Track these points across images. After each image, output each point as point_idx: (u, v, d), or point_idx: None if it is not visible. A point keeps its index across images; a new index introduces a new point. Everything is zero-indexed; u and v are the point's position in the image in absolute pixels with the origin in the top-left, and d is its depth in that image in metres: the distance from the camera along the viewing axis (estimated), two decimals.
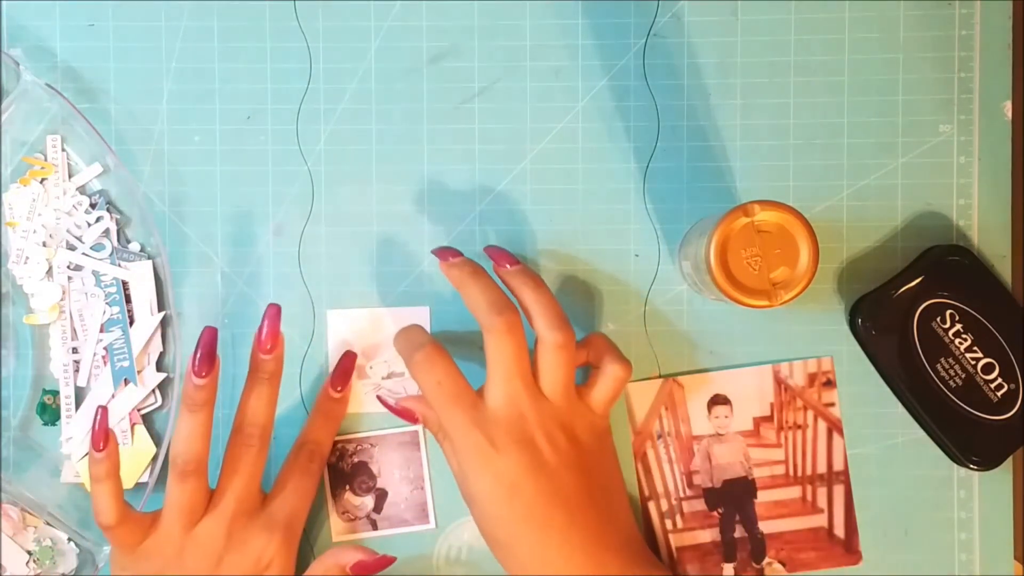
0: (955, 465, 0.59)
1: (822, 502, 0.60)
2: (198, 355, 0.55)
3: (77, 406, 0.61)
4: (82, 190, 0.61)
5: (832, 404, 0.60)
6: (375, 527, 0.61)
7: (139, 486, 0.61)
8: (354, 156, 0.61)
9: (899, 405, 0.59)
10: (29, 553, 0.60)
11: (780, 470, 0.60)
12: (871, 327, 0.59)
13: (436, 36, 0.61)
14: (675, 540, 0.60)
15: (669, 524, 0.60)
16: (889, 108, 0.60)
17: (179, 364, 0.61)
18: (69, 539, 0.60)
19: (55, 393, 0.61)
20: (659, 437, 0.60)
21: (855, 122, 0.60)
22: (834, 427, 0.60)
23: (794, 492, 0.60)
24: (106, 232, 0.61)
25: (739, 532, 0.60)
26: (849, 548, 0.60)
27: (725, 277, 0.52)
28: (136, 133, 0.62)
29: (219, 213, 0.62)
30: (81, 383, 0.61)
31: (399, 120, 0.61)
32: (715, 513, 0.60)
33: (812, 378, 0.60)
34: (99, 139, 0.60)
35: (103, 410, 0.55)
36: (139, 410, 0.61)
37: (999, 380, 0.58)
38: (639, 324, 0.61)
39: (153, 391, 0.61)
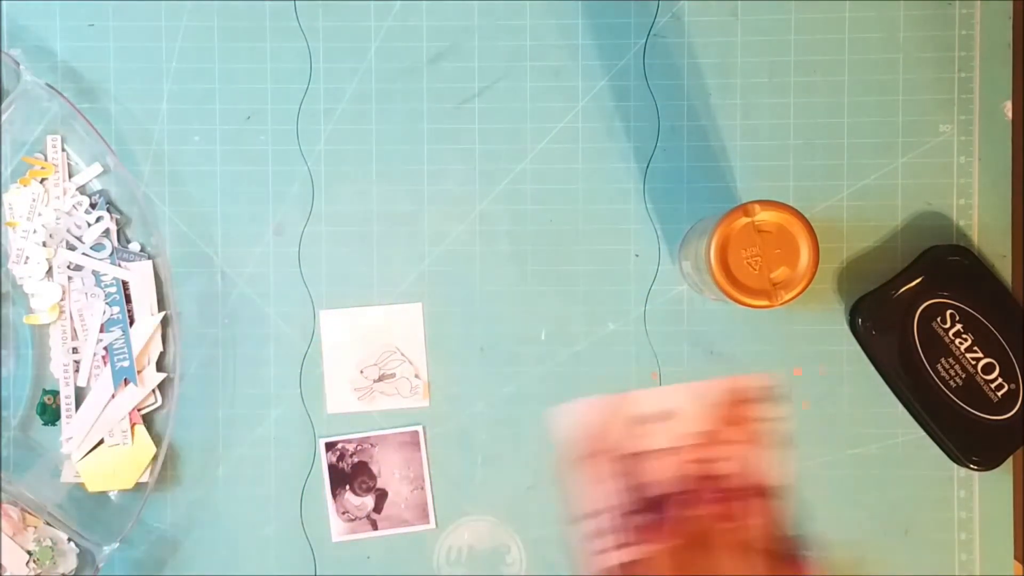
0: (955, 465, 0.59)
1: (765, 517, 0.59)
2: None
3: (77, 406, 0.61)
4: (82, 190, 0.61)
5: (774, 419, 0.59)
6: (375, 527, 0.61)
7: (139, 486, 0.61)
8: (354, 156, 0.61)
9: (899, 405, 0.59)
10: (29, 553, 0.60)
11: (724, 484, 0.59)
12: (871, 327, 0.59)
13: (436, 36, 0.61)
14: (615, 556, 0.60)
15: (610, 541, 0.60)
16: (889, 108, 0.60)
17: (179, 364, 0.61)
18: (69, 539, 0.60)
19: (55, 393, 0.61)
20: (598, 454, 0.60)
21: (855, 122, 0.60)
22: (776, 443, 0.59)
23: (736, 507, 0.59)
24: (106, 232, 0.61)
25: (672, 544, 0.60)
26: (791, 561, 0.59)
27: (725, 277, 0.52)
28: (136, 133, 0.62)
29: (219, 213, 0.62)
30: (81, 383, 0.61)
31: (399, 120, 0.61)
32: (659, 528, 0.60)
33: (754, 394, 0.60)
34: (99, 139, 0.60)
35: None
36: (139, 410, 0.61)
37: (999, 380, 0.58)
38: (639, 324, 0.61)
39: (153, 391, 0.61)
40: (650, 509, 0.59)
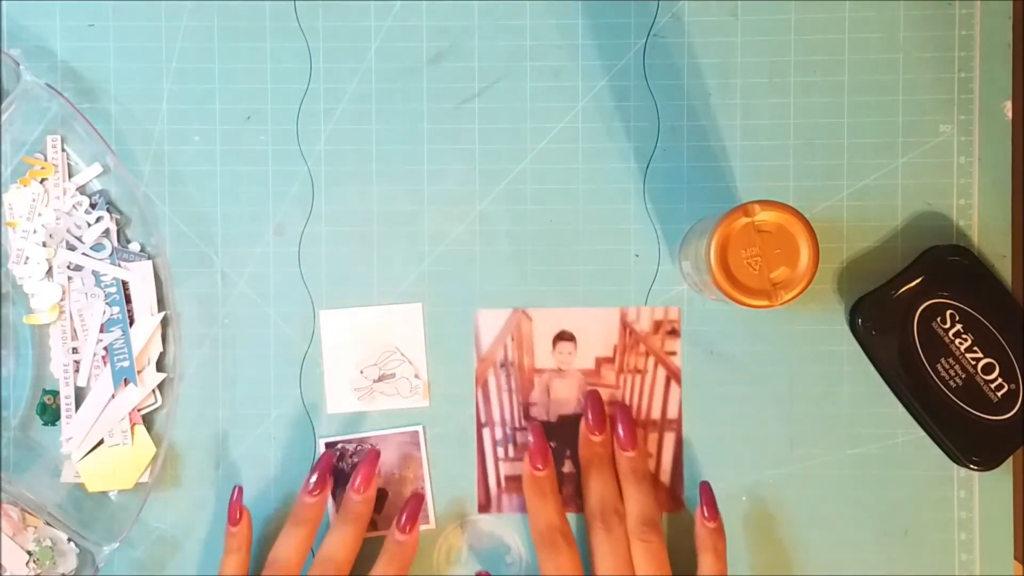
0: (955, 465, 0.59)
1: (652, 447, 0.61)
2: (314, 475, 0.59)
3: (77, 406, 0.61)
4: (82, 190, 0.61)
5: (674, 353, 0.60)
6: (375, 527, 0.61)
7: (139, 486, 0.61)
8: (354, 156, 0.61)
9: (899, 405, 0.59)
10: (29, 553, 0.60)
11: (617, 411, 0.60)
12: (871, 327, 0.59)
13: (436, 36, 0.61)
14: (505, 468, 0.61)
15: (501, 452, 0.61)
16: (889, 108, 0.60)
17: (179, 364, 0.61)
18: (69, 539, 0.60)
19: (55, 393, 0.61)
20: (502, 366, 0.61)
21: (855, 122, 0.60)
22: (673, 376, 0.60)
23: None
24: (106, 232, 0.61)
25: (568, 467, 0.61)
26: (673, 495, 0.60)
27: (725, 277, 0.52)
28: (136, 133, 0.62)
29: (219, 213, 0.62)
30: (81, 383, 0.61)
31: (399, 120, 0.61)
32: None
33: (658, 325, 0.61)
34: (99, 139, 0.60)
35: (239, 489, 0.60)
36: (139, 410, 0.61)
37: (999, 380, 0.58)
38: None
39: (153, 391, 0.61)
40: (541, 427, 0.61)
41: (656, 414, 0.61)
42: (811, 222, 0.52)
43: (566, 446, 0.61)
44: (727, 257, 0.52)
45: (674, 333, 0.60)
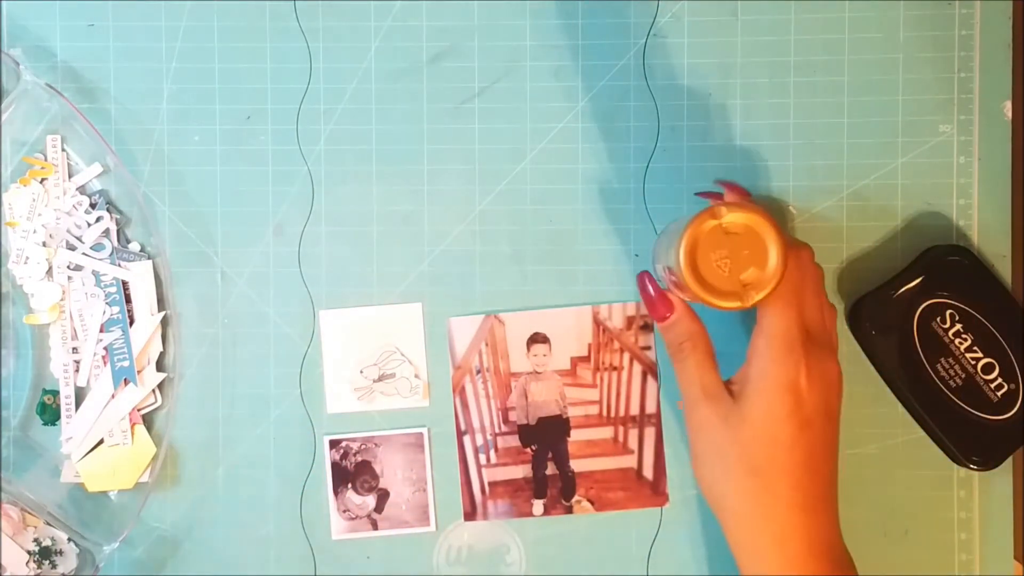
0: (955, 465, 0.59)
1: (633, 443, 0.61)
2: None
3: (77, 406, 0.61)
4: (82, 190, 0.61)
5: (648, 347, 0.61)
6: (375, 527, 0.61)
7: (139, 486, 0.61)
8: (354, 156, 0.62)
9: (899, 405, 0.59)
10: (29, 553, 0.60)
11: (594, 410, 0.61)
12: (871, 327, 0.59)
13: (436, 36, 0.61)
14: (488, 475, 0.61)
15: (483, 459, 0.61)
16: (889, 108, 0.60)
17: (179, 364, 0.61)
18: (69, 539, 0.60)
19: (55, 393, 0.61)
20: (478, 372, 0.61)
21: (855, 122, 0.60)
22: (649, 370, 0.61)
23: (606, 432, 0.61)
24: (106, 232, 0.61)
25: (551, 469, 0.61)
26: (656, 490, 0.61)
27: (696, 280, 0.51)
28: (136, 133, 0.62)
29: (219, 213, 0.62)
30: (81, 383, 0.61)
31: (399, 120, 0.61)
32: (528, 450, 0.61)
33: (630, 321, 0.61)
34: (99, 139, 0.60)
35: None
36: (139, 410, 0.61)
37: (999, 380, 0.58)
38: None
39: (153, 391, 0.61)
40: (520, 432, 0.61)
41: (635, 410, 0.61)
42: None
43: (547, 448, 0.61)
44: (697, 260, 0.51)
45: (647, 328, 0.61)
